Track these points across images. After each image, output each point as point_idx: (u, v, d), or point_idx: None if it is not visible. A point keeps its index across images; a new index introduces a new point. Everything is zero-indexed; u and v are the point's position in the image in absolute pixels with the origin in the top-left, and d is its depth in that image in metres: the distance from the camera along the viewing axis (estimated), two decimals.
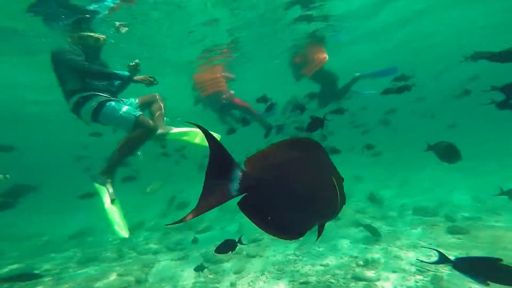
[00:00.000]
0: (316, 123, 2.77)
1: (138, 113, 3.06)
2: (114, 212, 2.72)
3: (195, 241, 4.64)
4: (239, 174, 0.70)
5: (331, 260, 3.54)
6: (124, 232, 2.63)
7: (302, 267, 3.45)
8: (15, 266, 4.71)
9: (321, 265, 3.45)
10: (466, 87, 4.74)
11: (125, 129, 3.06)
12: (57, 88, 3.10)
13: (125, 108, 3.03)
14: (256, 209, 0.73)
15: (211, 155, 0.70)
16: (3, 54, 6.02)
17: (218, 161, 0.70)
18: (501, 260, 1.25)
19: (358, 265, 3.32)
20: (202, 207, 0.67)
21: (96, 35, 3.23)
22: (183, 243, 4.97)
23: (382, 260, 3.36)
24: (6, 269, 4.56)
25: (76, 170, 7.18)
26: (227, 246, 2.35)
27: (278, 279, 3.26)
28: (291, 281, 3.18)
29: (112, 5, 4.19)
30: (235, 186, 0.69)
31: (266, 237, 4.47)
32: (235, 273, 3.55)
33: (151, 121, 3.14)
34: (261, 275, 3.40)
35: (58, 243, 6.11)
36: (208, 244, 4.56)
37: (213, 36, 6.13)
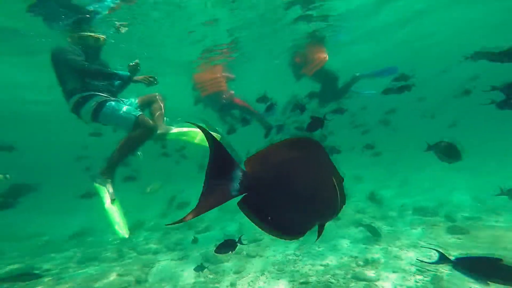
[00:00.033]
0: (316, 123, 2.77)
1: (138, 113, 3.06)
2: (114, 212, 2.72)
3: (195, 241, 4.64)
4: (239, 174, 0.70)
5: (331, 260, 3.54)
6: (124, 232, 2.64)
7: (302, 267, 3.45)
8: (15, 266, 4.71)
9: (321, 265, 3.45)
10: (466, 87, 4.74)
11: (125, 129, 3.06)
12: (57, 88, 3.10)
13: (125, 108, 3.03)
14: (256, 209, 0.73)
15: (211, 155, 0.70)
16: (3, 54, 6.02)
17: (218, 161, 0.70)
18: (501, 259, 1.25)
19: (358, 265, 3.32)
20: (202, 207, 0.67)
21: (96, 35, 3.24)
22: (183, 243, 4.97)
23: (382, 260, 3.36)
24: (6, 269, 4.56)
25: (76, 170, 7.18)
26: (227, 246, 2.35)
27: (278, 279, 3.26)
28: (291, 281, 3.18)
29: (112, 5, 4.19)
30: (235, 186, 0.69)
31: (266, 237, 4.47)
32: (235, 273, 3.55)
33: (151, 121, 3.14)
34: (261, 275, 3.40)
35: (58, 243, 6.11)
36: (208, 244, 4.56)
37: (213, 36, 6.13)
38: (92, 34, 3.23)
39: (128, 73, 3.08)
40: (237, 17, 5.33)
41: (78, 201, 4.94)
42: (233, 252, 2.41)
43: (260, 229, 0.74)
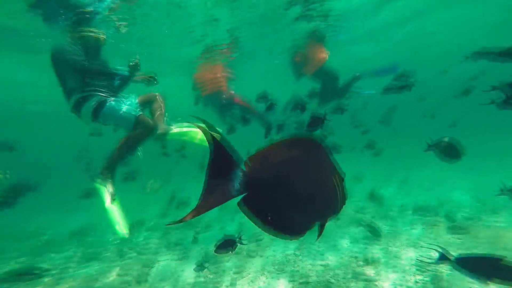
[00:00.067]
0: (316, 122, 2.77)
1: (138, 112, 3.06)
2: (114, 212, 2.72)
3: (195, 240, 4.64)
4: (239, 174, 0.70)
5: (331, 260, 3.54)
6: (124, 232, 2.64)
7: (302, 267, 3.45)
8: (15, 265, 4.71)
9: (321, 264, 3.45)
10: (467, 87, 4.73)
11: (125, 128, 3.06)
12: (57, 87, 3.10)
13: (125, 108, 3.03)
14: (256, 209, 0.73)
15: (212, 155, 0.70)
16: (3, 53, 6.01)
17: (219, 161, 0.70)
18: (502, 259, 1.24)
19: (358, 265, 3.32)
20: (203, 207, 0.67)
21: (96, 34, 3.23)
22: (183, 243, 4.97)
23: (382, 260, 3.36)
24: (6, 269, 4.56)
25: (77, 169, 7.18)
26: (226, 246, 2.35)
27: (278, 279, 3.26)
28: (291, 280, 3.18)
29: (112, 5, 4.19)
30: (235, 186, 0.69)
31: (266, 237, 4.47)
32: (235, 272, 3.55)
33: (151, 121, 3.14)
34: (261, 275, 3.40)
35: (58, 242, 6.11)
36: (208, 243, 4.56)
37: (213, 36, 6.13)
38: (92, 33, 3.23)
39: (128, 72, 3.08)
40: (237, 16, 5.33)
41: (78, 200, 4.94)
42: (233, 252, 2.41)
43: (260, 229, 0.74)
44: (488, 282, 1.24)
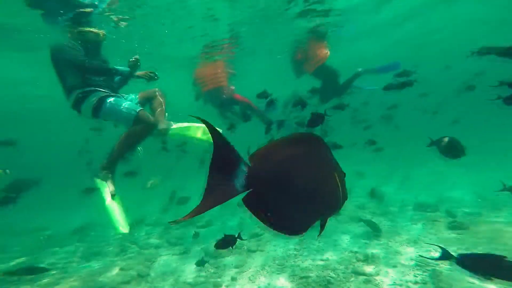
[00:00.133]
0: (317, 119, 2.76)
1: (139, 108, 3.05)
2: (114, 208, 2.73)
3: (196, 235, 4.67)
4: (244, 170, 0.69)
5: (331, 255, 3.56)
6: (124, 228, 2.65)
7: (302, 262, 3.47)
8: (20, 259, 4.77)
9: (322, 260, 3.47)
10: (470, 83, 4.69)
11: (126, 125, 3.05)
12: (58, 84, 3.09)
13: (125, 104, 3.02)
14: (260, 205, 0.73)
15: (216, 150, 0.68)
16: (3, 50, 5.99)
17: (223, 156, 0.68)
18: (505, 257, 1.24)
19: (358, 260, 3.34)
20: (208, 203, 0.66)
21: (96, 30, 3.20)
22: (184, 238, 5.01)
23: (382, 255, 3.38)
24: (13, 263, 4.62)
25: (78, 165, 7.20)
26: (226, 242, 2.36)
27: (279, 274, 3.28)
28: (291, 275, 3.20)
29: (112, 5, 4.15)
30: (240, 182, 0.68)
31: (267, 232, 4.50)
32: (236, 267, 3.58)
33: (151, 117, 3.13)
34: (262, 270, 3.43)
35: (61, 237, 6.17)
36: (209, 238, 4.59)
37: (214, 32, 6.07)
38: (92, 29, 3.20)
39: (128, 69, 3.06)
40: (237, 12, 5.27)
41: (81, 196, 4.97)
42: (234, 247, 2.42)
43: (264, 225, 0.74)
44: (491, 280, 1.24)
